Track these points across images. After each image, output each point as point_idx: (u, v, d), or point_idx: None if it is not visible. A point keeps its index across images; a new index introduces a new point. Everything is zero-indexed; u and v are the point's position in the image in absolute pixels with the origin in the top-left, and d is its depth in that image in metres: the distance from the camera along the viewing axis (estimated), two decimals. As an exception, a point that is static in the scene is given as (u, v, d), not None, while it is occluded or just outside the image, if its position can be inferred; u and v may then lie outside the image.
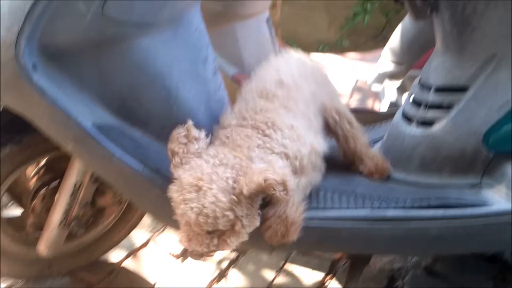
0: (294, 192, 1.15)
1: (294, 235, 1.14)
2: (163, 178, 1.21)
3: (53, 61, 1.13)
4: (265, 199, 1.11)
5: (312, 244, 1.28)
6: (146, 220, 1.86)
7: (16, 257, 1.55)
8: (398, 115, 1.42)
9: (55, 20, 1.09)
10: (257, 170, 1.02)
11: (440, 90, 1.30)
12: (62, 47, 1.13)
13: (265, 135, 1.16)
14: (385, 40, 2.21)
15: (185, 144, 1.10)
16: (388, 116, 1.71)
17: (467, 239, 1.20)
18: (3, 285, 1.62)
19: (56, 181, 1.46)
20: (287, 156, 1.15)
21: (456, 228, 1.18)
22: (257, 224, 1.09)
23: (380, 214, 1.20)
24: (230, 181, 1.03)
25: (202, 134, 1.13)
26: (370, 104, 2.07)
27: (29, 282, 1.64)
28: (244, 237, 1.08)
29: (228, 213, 1.01)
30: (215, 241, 1.05)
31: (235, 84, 1.96)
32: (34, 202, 1.48)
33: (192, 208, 1.00)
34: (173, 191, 1.06)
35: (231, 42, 2.09)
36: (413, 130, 1.33)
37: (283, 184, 1.00)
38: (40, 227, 1.49)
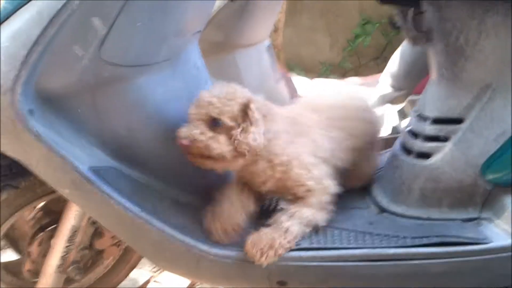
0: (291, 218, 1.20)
1: (267, 258, 1.15)
2: (161, 220, 1.19)
3: (50, 105, 1.13)
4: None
5: (313, 284, 1.24)
6: (146, 259, 1.81)
7: (12, 304, 1.48)
8: (397, 145, 1.42)
9: (52, 64, 1.09)
10: None
11: (436, 121, 1.30)
12: (58, 90, 1.13)
13: None
14: (386, 61, 2.20)
15: None
16: (390, 141, 1.71)
17: (469, 276, 1.18)
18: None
19: (54, 225, 1.42)
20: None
21: (457, 266, 1.16)
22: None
23: (380, 252, 1.18)
24: None
25: None
26: None
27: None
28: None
29: None
30: None
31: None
32: (31, 247, 1.43)
33: None
34: None
35: (232, 70, 2.11)
36: (412, 161, 1.33)
37: None
38: (37, 273, 1.43)
